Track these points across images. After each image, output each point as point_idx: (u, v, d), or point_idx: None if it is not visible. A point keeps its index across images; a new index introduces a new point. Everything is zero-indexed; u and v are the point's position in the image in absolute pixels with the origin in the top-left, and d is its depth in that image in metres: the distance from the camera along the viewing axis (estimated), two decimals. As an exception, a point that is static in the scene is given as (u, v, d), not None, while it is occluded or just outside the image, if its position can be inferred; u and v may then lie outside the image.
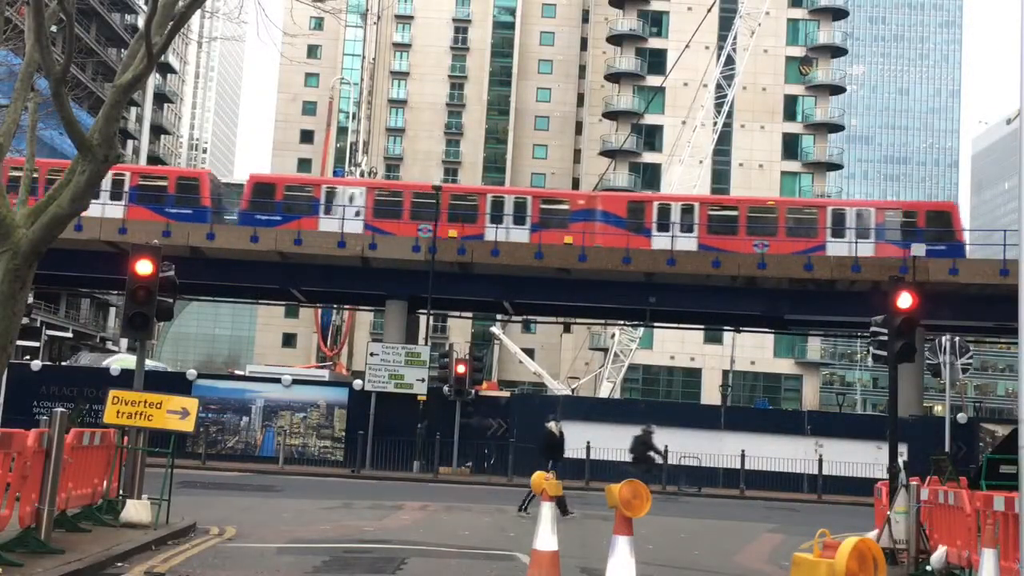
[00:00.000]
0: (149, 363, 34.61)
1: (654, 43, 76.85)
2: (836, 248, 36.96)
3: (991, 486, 13.99)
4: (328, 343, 68.66)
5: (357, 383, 35.41)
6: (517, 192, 45.04)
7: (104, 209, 36.62)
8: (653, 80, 72.76)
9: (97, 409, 22.65)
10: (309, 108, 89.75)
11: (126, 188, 38.46)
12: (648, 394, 68.45)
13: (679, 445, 33.12)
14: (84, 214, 17.21)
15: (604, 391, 56.71)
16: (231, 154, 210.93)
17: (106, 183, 37.33)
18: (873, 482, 20.01)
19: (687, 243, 37.34)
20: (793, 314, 39.65)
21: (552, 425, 22.43)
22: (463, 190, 48.49)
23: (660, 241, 37.36)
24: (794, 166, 76.29)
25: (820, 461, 32.80)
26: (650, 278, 37.05)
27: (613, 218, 38.19)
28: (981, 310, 36.22)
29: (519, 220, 38.27)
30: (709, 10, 59.70)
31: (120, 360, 45.96)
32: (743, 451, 32.82)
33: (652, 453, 28.04)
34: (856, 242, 36.75)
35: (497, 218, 38.27)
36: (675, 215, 38.10)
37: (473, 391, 34.56)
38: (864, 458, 31.70)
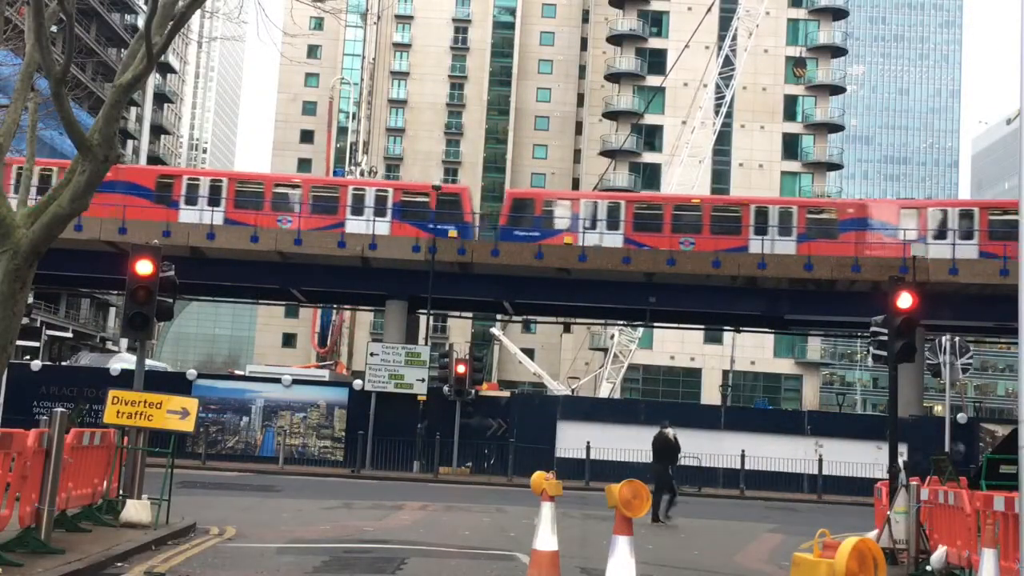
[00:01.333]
0: (149, 363, 34.63)
1: (654, 43, 76.86)
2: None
3: (991, 486, 14.00)
4: (326, 344, 68.66)
5: (357, 383, 35.41)
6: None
7: (370, 226, 36.99)
8: (653, 80, 72.75)
9: (97, 409, 22.69)
10: (309, 108, 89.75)
11: (389, 204, 38.24)
12: (648, 394, 68.42)
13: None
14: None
15: (604, 391, 56.71)
16: (231, 154, 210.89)
17: (369, 199, 38.18)
18: (873, 482, 20.03)
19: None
20: (793, 314, 39.66)
21: (668, 431, 22.39)
22: (725, 201, 47.27)
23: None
24: (794, 166, 76.30)
25: (820, 461, 32.81)
26: (650, 278, 37.05)
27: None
28: (981, 310, 36.22)
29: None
30: (708, 10, 59.73)
31: (120, 360, 45.98)
32: (743, 451, 32.84)
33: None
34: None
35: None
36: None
37: (473, 391, 34.56)
38: (864, 458, 31.73)
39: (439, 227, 37.61)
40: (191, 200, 38.21)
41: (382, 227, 37.49)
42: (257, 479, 27.91)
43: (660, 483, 20.68)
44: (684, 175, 57.56)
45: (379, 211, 37.95)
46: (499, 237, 38.21)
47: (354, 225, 37.62)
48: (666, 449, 21.68)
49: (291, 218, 37.59)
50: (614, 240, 37.35)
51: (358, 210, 38.09)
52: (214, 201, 38.09)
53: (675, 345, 70.00)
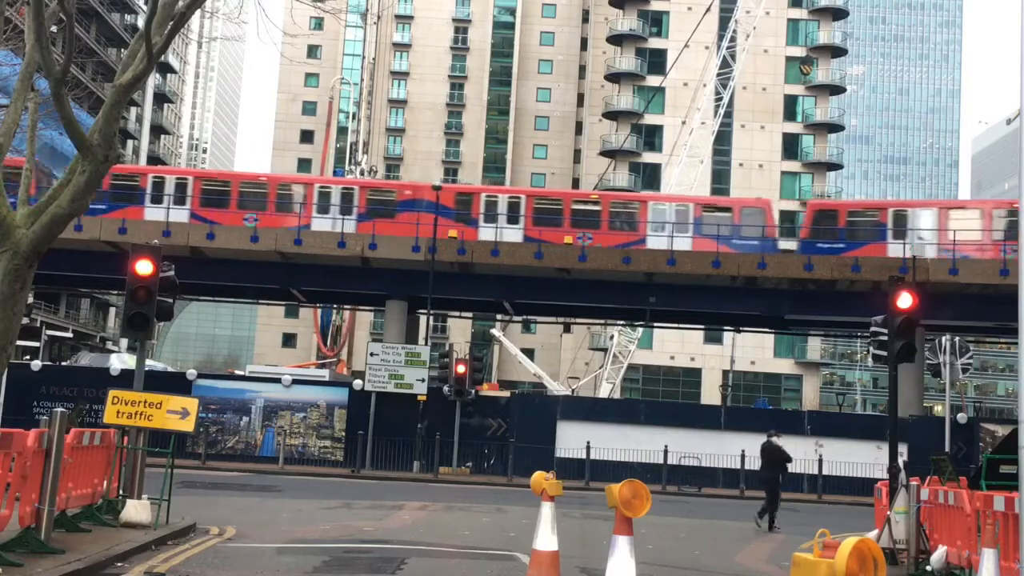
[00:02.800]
0: (149, 363, 34.62)
1: (654, 43, 76.87)
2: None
3: (991, 486, 14.00)
4: (328, 343, 68.68)
5: (357, 383, 35.41)
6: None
7: (672, 242, 36.60)
8: (653, 80, 72.77)
9: (97, 409, 22.69)
10: (309, 108, 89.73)
11: (690, 219, 37.81)
12: (648, 394, 68.44)
13: (679, 445, 33.16)
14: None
15: (604, 392, 56.73)
16: (231, 154, 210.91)
17: (671, 214, 37.61)
18: (873, 482, 20.03)
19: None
20: (793, 314, 39.65)
21: (776, 440, 22.46)
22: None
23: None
24: (794, 166, 76.31)
25: (820, 461, 32.80)
26: (650, 278, 37.06)
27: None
28: (981, 310, 36.23)
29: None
30: (708, 10, 59.76)
31: (120, 359, 45.97)
32: (743, 451, 32.82)
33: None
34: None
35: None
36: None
37: (473, 391, 34.57)
38: (864, 458, 31.73)
39: (743, 243, 37.52)
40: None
41: (682, 243, 37.16)
42: (257, 479, 27.91)
43: (772, 492, 21.12)
44: (684, 175, 57.61)
45: (680, 228, 37.56)
46: (801, 250, 37.82)
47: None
48: (775, 458, 21.94)
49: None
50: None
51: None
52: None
53: (675, 345, 70.00)
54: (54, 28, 18.81)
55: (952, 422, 31.63)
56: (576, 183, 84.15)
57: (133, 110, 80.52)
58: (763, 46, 71.46)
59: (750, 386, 71.83)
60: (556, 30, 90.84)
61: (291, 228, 37.25)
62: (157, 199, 38.22)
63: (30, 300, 38.73)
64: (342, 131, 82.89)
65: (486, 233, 37.45)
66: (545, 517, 10.16)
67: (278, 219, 37.57)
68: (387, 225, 37.29)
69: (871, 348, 17.93)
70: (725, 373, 68.06)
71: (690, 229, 37.47)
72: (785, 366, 73.18)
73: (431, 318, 41.56)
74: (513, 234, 37.53)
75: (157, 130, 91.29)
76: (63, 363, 53.55)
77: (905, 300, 15.93)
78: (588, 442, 32.69)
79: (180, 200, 38.13)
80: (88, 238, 35.43)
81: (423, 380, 33.80)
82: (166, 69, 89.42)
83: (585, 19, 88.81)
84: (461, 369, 33.79)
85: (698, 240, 37.37)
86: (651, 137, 75.30)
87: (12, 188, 16.84)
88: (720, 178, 74.09)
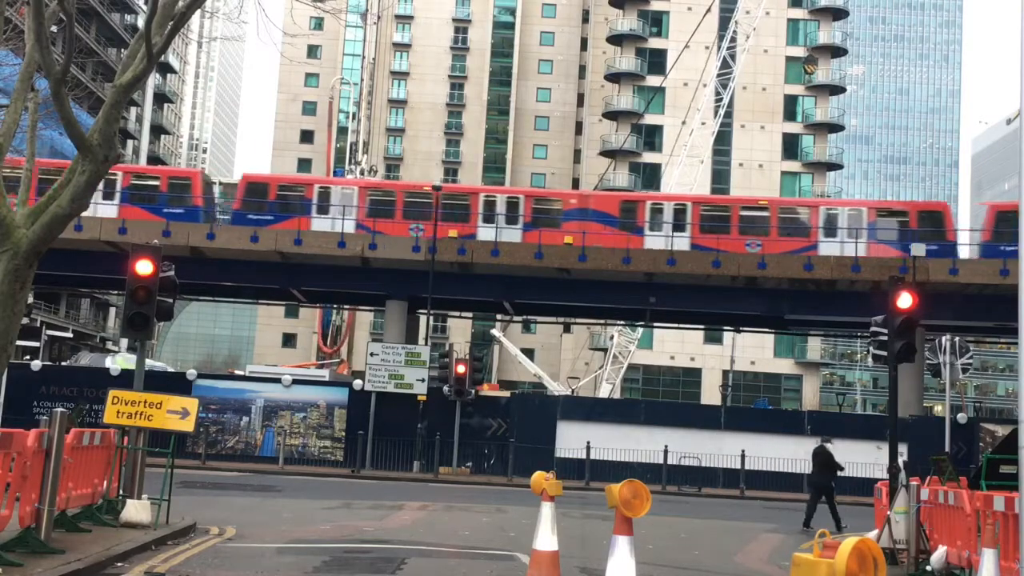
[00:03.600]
0: (149, 363, 34.60)
1: (654, 43, 76.87)
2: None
3: (991, 486, 13.99)
4: (328, 343, 68.70)
5: (357, 383, 35.41)
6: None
7: (846, 248, 36.18)
8: (653, 80, 72.77)
9: (97, 409, 22.68)
10: (309, 108, 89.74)
11: (863, 224, 37.35)
12: (648, 394, 68.44)
13: (679, 445, 33.15)
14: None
15: (604, 392, 56.73)
16: (231, 154, 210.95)
17: (843, 219, 36.94)
18: (873, 482, 20.02)
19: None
20: (793, 314, 39.65)
21: (828, 446, 22.71)
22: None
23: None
24: (794, 166, 76.31)
25: (820, 461, 32.73)
26: (650, 278, 37.06)
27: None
28: (981, 310, 36.23)
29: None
30: (708, 10, 59.75)
31: (120, 360, 45.96)
32: (743, 451, 32.83)
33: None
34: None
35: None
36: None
37: (473, 391, 34.56)
38: (864, 458, 31.71)
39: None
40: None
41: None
42: (257, 479, 27.90)
43: (817, 494, 22.24)
44: (684, 175, 57.64)
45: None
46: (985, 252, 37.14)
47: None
48: (827, 464, 22.35)
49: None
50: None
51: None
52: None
53: (675, 345, 70.00)
54: (54, 28, 18.81)
55: (952, 422, 31.61)
56: (576, 183, 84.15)
57: (133, 110, 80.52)
58: (763, 46, 71.47)
59: (750, 386, 71.84)
60: (556, 30, 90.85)
61: (291, 228, 37.28)
62: (323, 209, 38.22)
63: (30, 300, 38.68)
64: (342, 131, 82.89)
65: (653, 242, 37.36)
66: (545, 517, 10.16)
67: (443, 229, 37.18)
68: (554, 235, 37.18)
69: (871, 348, 17.94)
70: (725, 373, 68.07)
71: (864, 235, 37.04)
72: (785, 366, 73.19)
73: (431, 318, 41.57)
74: (680, 242, 37.29)
75: (157, 130, 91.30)
76: (63, 363, 53.55)
77: (905, 300, 15.93)
78: (588, 442, 32.69)
79: (109, 196, 37.96)
80: (88, 238, 35.44)
81: (423, 380, 33.80)
82: (166, 69, 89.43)
83: (585, 19, 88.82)
84: (461, 369, 33.78)
85: (874, 246, 36.84)
86: (651, 137, 75.29)
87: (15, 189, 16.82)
88: (720, 178, 74.10)
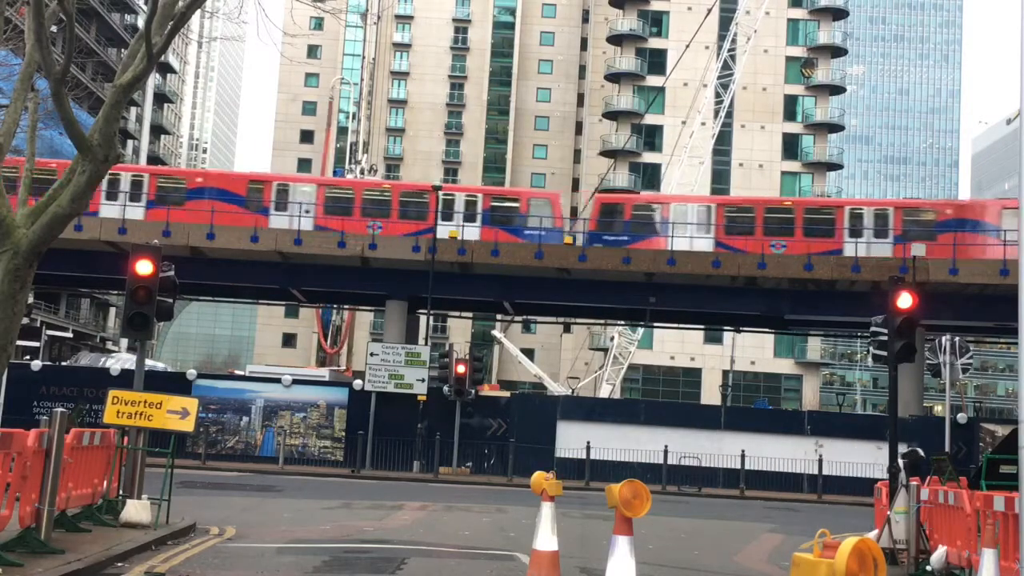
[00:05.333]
0: (149, 363, 34.62)
1: (654, 43, 76.88)
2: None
3: (991, 486, 14.00)
4: (328, 343, 68.69)
5: (357, 383, 35.41)
6: None
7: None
8: (653, 80, 72.79)
9: (97, 409, 22.67)
10: (309, 108, 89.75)
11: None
12: (648, 394, 68.44)
13: (679, 445, 33.16)
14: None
15: (604, 393, 56.73)
16: (231, 154, 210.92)
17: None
18: (873, 482, 20.02)
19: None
20: (793, 314, 39.64)
21: (918, 449, 22.90)
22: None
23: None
24: (794, 166, 76.31)
25: (820, 461, 32.80)
26: (650, 278, 37.05)
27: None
28: (981, 310, 36.21)
29: None
30: (709, 11, 59.72)
31: (119, 359, 45.96)
32: (743, 451, 32.83)
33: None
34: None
35: None
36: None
37: (473, 391, 34.57)
38: (864, 458, 31.72)
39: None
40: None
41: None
42: (257, 479, 27.91)
43: None
44: (684, 175, 57.65)
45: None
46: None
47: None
48: (919, 467, 22.76)
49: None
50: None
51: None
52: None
53: (675, 345, 70.00)
54: (54, 28, 18.81)
55: (952, 422, 31.61)
56: (576, 183, 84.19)
57: (133, 110, 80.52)
58: (763, 46, 71.45)
59: (750, 386, 71.85)
60: (556, 30, 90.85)
61: (292, 228, 37.27)
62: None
63: (30, 300, 38.67)
64: (342, 131, 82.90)
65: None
66: (545, 517, 10.16)
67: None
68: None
69: (871, 348, 17.94)
70: (725, 373, 68.06)
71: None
72: (785, 366, 73.18)
73: (431, 318, 41.56)
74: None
75: (157, 130, 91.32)
76: (63, 363, 53.54)
77: (905, 300, 15.93)
78: (588, 442, 32.69)
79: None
80: (88, 238, 35.42)
81: (423, 380, 33.80)
82: (166, 69, 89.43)
83: (585, 19, 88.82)
84: (461, 369, 33.79)
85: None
86: (651, 137, 75.29)
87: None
88: (720, 178, 74.09)
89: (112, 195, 37.84)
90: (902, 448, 16.31)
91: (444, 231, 36.86)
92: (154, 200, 37.75)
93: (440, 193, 37.59)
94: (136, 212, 37.46)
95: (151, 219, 36.94)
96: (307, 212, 37.91)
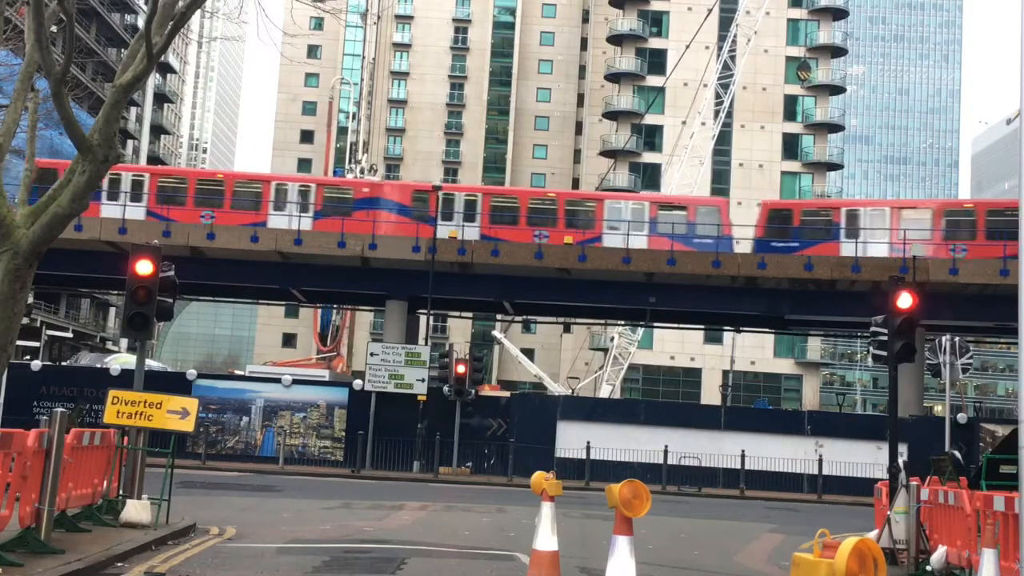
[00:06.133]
0: (149, 363, 34.61)
1: (654, 43, 76.88)
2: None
3: (991, 486, 14.01)
4: (328, 343, 68.58)
5: (357, 383, 35.41)
6: None
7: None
8: (653, 80, 72.80)
9: (97, 409, 22.69)
10: (309, 108, 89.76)
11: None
12: (648, 394, 68.42)
13: (679, 445, 33.16)
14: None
15: (604, 393, 56.73)
16: (231, 154, 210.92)
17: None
18: (873, 482, 20.02)
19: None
20: (793, 314, 39.64)
21: (956, 453, 23.00)
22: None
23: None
24: (794, 166, 76.31)
25: (820, 461, 32.81)
26: (650, 278, 37.05)
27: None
28: (981, 310, 36.22)
29: None
30: (709, 11, 59.75)
31: (119, 359, 45.95)
32: (743, 451, 32.84)
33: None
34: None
35: None
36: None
37: (473, 391, 34.57)
38: (864, 458, 31.73)
39: None
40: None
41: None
42: (257, 479, 27.91)
43: None
44: (685, 176, 57.65)
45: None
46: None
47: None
48: (958, 470, 22.89)
49: None
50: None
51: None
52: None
53: (675, 345, 69.99)
54: (54, 28, 18.81)
55: (952, 422, 31.61)
56: (576, 183, 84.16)
57: (133, 110, 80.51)
58: (763, 46, 71.45)
59: (750, 386, 71.85)
60: (556, 30, 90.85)
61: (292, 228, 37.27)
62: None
63: (30, 300, 38.70)
64: (342, 131, 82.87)
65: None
66: (545, 517, 10.16)
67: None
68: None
69: (871, 348, 17.93)
70: (725, 373, 68.04)
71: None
72: (785, 366, 73.18)
73: (431, 318, 41.55)
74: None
75: (157, 130, 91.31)
76: (63, 363, 53.54)
77: (905, 300, 15.93)
78: (588, 442, 32.69)
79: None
80: (88, 238, 35.43)
81: (423, 380, 33.80)
82: (166, 69, 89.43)
83: (585, 19, 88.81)
84: (461, 369, 33.79)
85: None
86: (651, 137, 75.29)
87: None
88: (720, 178, 74.10)
89: (279, 205, 38.02)
90: (900, 449, 16.29)
91: (611, 240, 36.59)
92: (320, 211, 37.64)
93: (608, 203, 37.36)
94: (304, 223, 37.50)
95: (318, 228, 36.84)
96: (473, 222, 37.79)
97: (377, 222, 37.43)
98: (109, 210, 37.17)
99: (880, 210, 38.16)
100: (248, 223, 37.29)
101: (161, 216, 37.62)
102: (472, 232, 37.59)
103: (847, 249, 36.15)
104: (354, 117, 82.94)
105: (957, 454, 22.63)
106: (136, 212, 37.74)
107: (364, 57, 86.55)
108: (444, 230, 36.89)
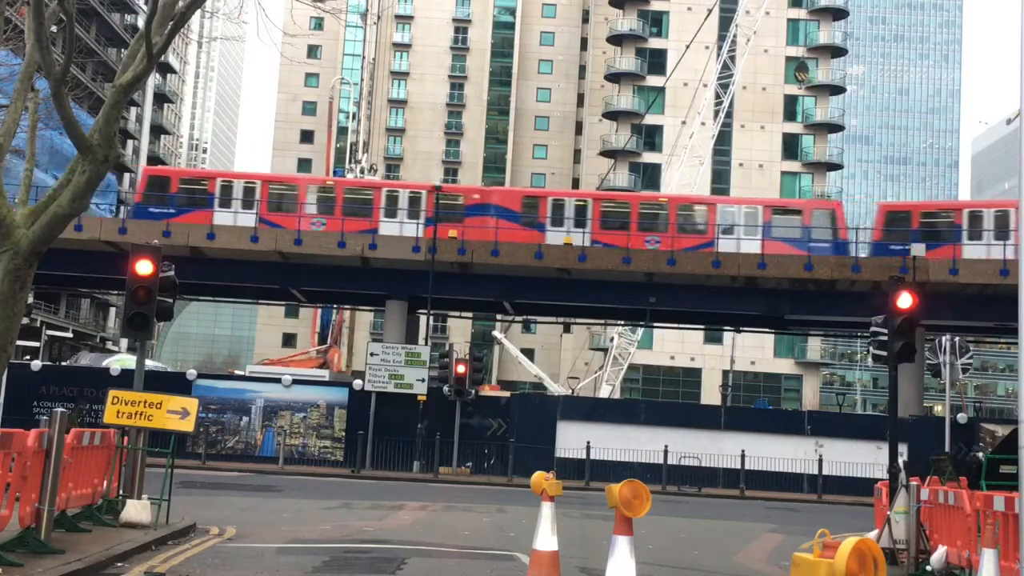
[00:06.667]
0: (149, 363, 34.60)
1: (654, 43, 76.89)
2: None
3: (991, 486, 14.01)
4: (327, 342, 68.51)
5: (357, 383, 35.40)
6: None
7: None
8: (653, 80, 72.81)
9: (97, 409, 22.69)
10: (309, 108, 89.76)
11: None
12: (648, 394, 68.41)
13: (679, 445, 33.16)
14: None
15: (604, 393, 56.70)
16: (231, 154, 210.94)
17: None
18: (873, 482, 20.02)
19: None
20: (793, 314, 39.64)
21: (980, 456, 23.08)
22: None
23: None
24: (794, 166, 76.31)
25: (820, 461, 32.81)
26: (650, 278, 37.04)
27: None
28: (981, 310, 36.21)
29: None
30: (709, 11, 59.75)
31: (120, 360, 45.94)
32: (743, 451, 32.83)
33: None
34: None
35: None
36: None
37: (473, 391, 34.56)
38: (864, 458, 31.73)
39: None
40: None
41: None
42: (257, 479, 27.90)
43: None
44: (684, 176, 57.65)
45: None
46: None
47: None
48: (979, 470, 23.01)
49: None
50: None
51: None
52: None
53: (675, 345, 69.98)
54: (54, 28, 18.80)
55: (952, 422, 31.61)
56: (576, 183, 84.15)
57: (133, 110, 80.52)
58: (763, 46, 71.47)
59: (750, 386, 71.84)
60: (556, 30, 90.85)
61: (291, 228, 37.27)
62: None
63: (30, 300, 38.69)
64: (342, 131, 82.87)
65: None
66: (545, 517, 10.16)
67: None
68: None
69: (871, 348, 17.93)
70: (725, 373, 68.04)
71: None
72: (785, 366, 73.17)
73: (431, 318, 41.54)
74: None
75: (157, 130, 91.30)
76: (63, 363, 53.53)
77: (905, 300, 15.92)
78: (588, 442, 32.69)
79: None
80: (88, 238, 35.44)
81: (423, 380, 33.80)
82: (166, 69, 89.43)
83: (585, 19, 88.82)
84: (461, 369, 33.79)
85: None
86: (651, 137, 75.30)
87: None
88: (720, 178, 74.10)
89: (391, 212, 37.92)
90: (900, 449, 16.30)
91: (726, 245, 36.40)
92: (431, 218, 37.42)
93: (720, 207, 37.10)
94: (412, 229, 37.41)
95: (428, 236, 36.57)
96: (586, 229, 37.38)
97: (485, 228, 36.78)
98: (222, 217, 37.24)
99: (1003, 211, 37.23)
100: (359, 230, 36.96)
101: (272, 223, 37.51)
102: (583, 239, 37.18)
103: (973, 252, 35.53)
104: (354, 117, 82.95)
105: (981, 456, 22.54)
106: (247, 219, 37.72)
107: (364, 57, 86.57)
108: (557, 236, 36.50)
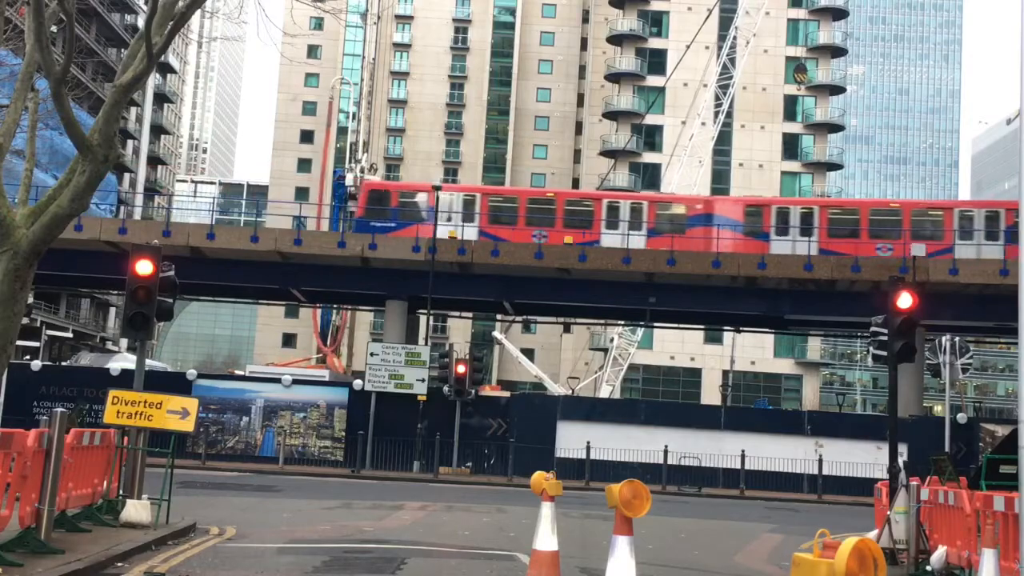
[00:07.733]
0: (149, 363, 34.60)
1: (654, 43, 76.87)
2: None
3: (991, 486, 14.01)
4: (328, 342, 68.59)
5: (357, 383, 35.40)
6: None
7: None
8: (653, 80, 72.81)
9: (97, 409, 22.67)
10: (309, 108, 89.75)
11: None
12: (648, 394, 68.39)
13: (679, 445, 33.16)
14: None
15: (604, 394, 56.69)
16: (231, 154, 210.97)
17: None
18: (873, 482, 20.03)
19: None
20: (793, 314, 39.64)
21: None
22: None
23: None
24: (794, 166, 76.30)
25: (820, 461, 32.81)
26: (650, 278, 37.04)
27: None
28: (981, 310, 36.21)
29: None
30: (710, 12, 59.77)
31: (121, 360, 45.95)
32: (743, 451, 32.84)
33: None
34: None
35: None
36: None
37: (473, 391, 34.56)
38: (864, 458, 31.73)
39: None
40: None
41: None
42: (257, 479, 27.91)
43: None
44: (684, 176, 57.66)
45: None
46: None
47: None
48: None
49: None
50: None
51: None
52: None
53: (675, 345, 69.96)
54: (54, 28, 18.81)
55: (952, 422, 31.62)
56: (576, 183, 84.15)
57: (133, 110, 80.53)
58: (763, 46, 71.46)
59: (750, 386, 71.82)
60: (556, 30, 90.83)
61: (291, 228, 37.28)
62: None
63: (30, 300, 38.71)
64: (342, 131, 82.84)
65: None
66: (545, 517, 10.16)
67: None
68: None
69: (871, 348, 17.93)
70: (725, 373, 68.02)
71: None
72: (785, 366, 73.16)
73: (431, 318, 41.53)
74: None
75: (157, 130, 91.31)
76: (63, 363, 53.53)
77: (905, 300, 15.93)
78: (588, 442, 32.70)
79: None
80: (88, 238, 35.43)
81: (423, 380, 33.80)
82: (166, 69, 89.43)
83: (585, 19, 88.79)
84: (461, 369, 33.79)
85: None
86: (651, 137, 75.30)
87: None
88: (720, 178, 74.09)
89: (612, 224, 37.60)
90: (900, 449, 16.30)
91: (782, 246, 36.21)
92: (653, 228, 37.13)
93: (959, 210, 36.29)
94: (638, 241, 37.18)
95: (650, 247, 36.18)
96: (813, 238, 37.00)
97: (707, 238, 36.36)
98: (443, 231, 36.53)
99: (994, 211, 37.26)
100: (580, 242, 36.63)
101: (494, 236, 37.35)
102: (808, 247, 36.71)
103: (965, 252, 35.41)
104: (354, 117, 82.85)
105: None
106: (470, 232, 37.74)
107: (364, 57, 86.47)
108: (783, 246, 36.03)
